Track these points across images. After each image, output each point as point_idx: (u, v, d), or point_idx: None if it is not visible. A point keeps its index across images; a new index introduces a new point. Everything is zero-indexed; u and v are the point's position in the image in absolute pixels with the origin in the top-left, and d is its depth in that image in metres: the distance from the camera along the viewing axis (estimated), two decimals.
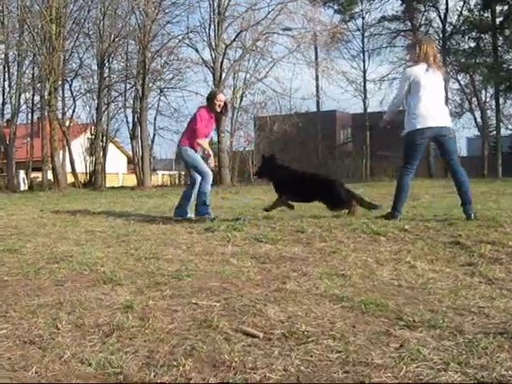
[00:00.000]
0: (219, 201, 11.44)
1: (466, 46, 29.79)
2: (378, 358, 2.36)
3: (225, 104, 7.66)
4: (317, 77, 29.97)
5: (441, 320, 2.83)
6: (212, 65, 24.57)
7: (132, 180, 33.38)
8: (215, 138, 24.45)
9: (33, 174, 32.19)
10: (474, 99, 30.56)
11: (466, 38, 29.84)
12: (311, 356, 2.41)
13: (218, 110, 7.57)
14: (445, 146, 6.10)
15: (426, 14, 30.73)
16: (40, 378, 2.25)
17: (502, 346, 2.45)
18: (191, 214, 7.65)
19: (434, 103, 6.04)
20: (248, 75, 27.19)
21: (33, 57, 27.85)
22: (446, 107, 6.34)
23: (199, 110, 7.61)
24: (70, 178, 28.54)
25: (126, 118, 31.78)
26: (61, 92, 28.94)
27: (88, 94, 31.49)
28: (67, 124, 30.01)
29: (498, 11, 27.72)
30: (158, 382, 2.18)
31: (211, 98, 7.54)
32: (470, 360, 2.30)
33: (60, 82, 27.65)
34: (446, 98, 6.49)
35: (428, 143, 6.50)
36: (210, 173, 7.53)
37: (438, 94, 6.16)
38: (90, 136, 33.29)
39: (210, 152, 7.75)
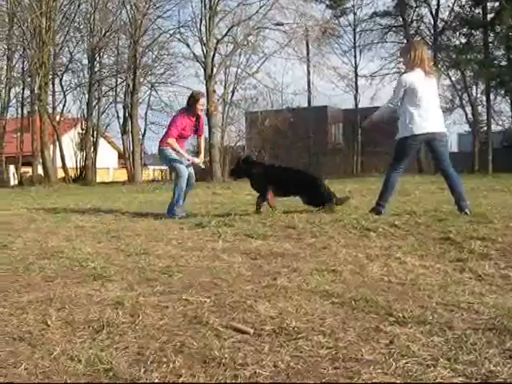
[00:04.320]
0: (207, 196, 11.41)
1: (457, 42, 29.92)
2: (367, 354, 2.37)
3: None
4: (308, 72, 30.01)
5: (430, 316, 2.83)
6: (203, 60, 24.52)
7: (123, 175, 33.32)
8: (206, 134, 24.45)
9: (23, 169, 32.01)
10: (465, 95, 30.59)
11: (457, 34, 29.96)
12: (301, 352, 2.41)
13: (200, 113, 7.65)
14: (437, 149, 6.13)
15: (417, 9, 30.83)
16: (29, 376, 2.24)
17: (491, 342, 2.45)
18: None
19: (430, 109, 6.06)
20: (239, 70, 27.24)
21: (23, 51, 27.72)
22: (440, 111, 6.34)
23: (179, 113, 7.68)
24: (61, 173, 28.44)
25: (117, 112, 31.82)
26: (51, 86, 28.84)
27: (78, 89, 31.50)
28: (57, 119, 29.90)
29: (489, 8, 27.80)
30: (148, 378, 2.18)
31: (193, 101, 7.50)
32: (459, 356, 2.31)
33: (50, 77, 27.59)
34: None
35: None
36: (186, 174, 7.46)
37: (434, 99, 6.19)
38: (80, 131, 33.15)
39: (181, 151, 7.50)
